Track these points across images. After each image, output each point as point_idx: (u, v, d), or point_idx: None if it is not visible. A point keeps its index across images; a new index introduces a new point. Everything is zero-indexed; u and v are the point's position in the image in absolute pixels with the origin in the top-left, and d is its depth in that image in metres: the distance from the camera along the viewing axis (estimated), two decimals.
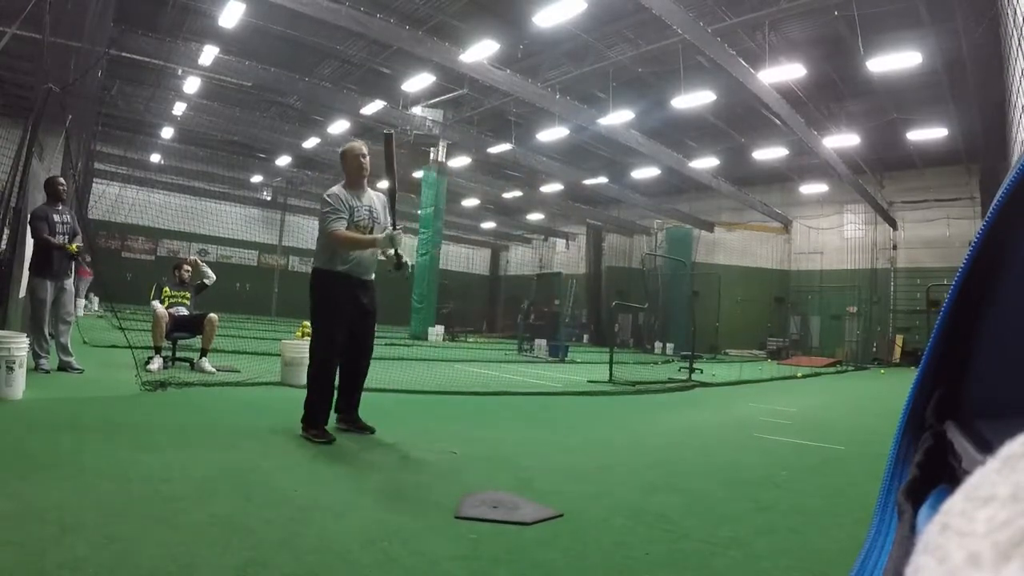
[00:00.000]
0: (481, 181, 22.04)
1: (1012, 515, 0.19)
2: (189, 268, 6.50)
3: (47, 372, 4.99)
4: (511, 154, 18.00)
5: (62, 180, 5.37)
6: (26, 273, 5.32)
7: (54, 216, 5.08)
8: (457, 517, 2.19)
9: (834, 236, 20.79)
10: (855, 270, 19.76)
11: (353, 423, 3.58)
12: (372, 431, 3.54)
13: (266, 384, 5.37)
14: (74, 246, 5.04)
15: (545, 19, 10.69)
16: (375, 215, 3.59)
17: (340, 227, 3.38)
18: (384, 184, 3.70)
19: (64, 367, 5.17)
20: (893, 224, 19.45)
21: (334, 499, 2.33)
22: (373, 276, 3.62)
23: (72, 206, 6.12)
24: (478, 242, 32.45)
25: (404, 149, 18.11)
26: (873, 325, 19.12)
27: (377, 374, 4.64)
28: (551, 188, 23.16)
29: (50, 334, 5.16)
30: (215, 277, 6.62)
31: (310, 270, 3.56)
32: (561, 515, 2.29)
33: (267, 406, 4.45)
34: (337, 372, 3.48)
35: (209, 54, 12.23)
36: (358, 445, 3.34)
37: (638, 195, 22.38)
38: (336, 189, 3.53)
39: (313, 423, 3.33)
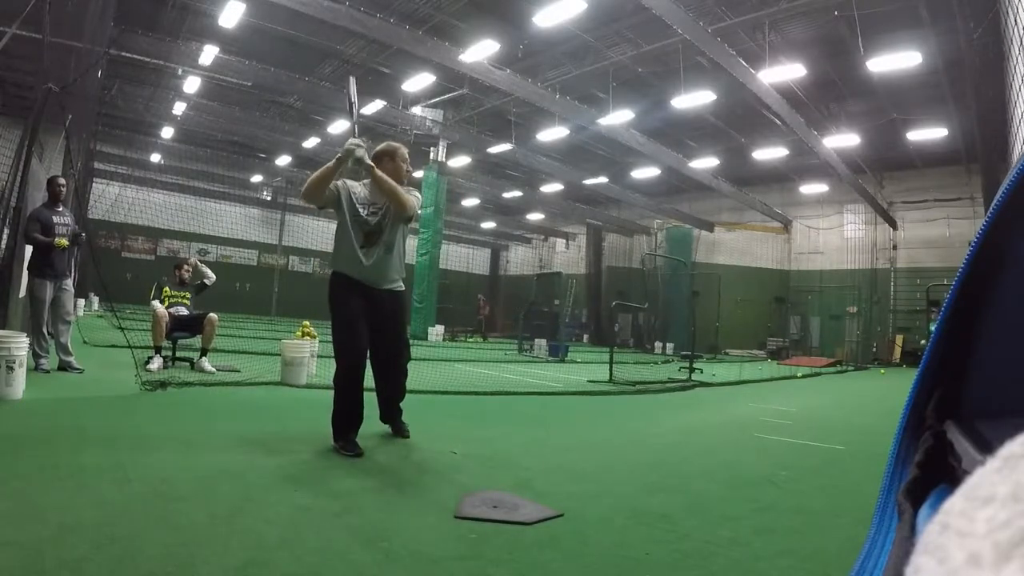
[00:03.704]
0: (481, 181, 22.04)
1: (1012, 515, 0.19)
2: (189, 268, 6.51)
3: (47, 372, 5.00)
4: (511, 154, 18.00)
5: (62, 181, 5.38)
6: (26, 273, 5.33)
7: (53, 218, 5.10)
8: (457, 517, 2.19)
9: (834, 236, 20.78)
10: (855, 270, 19.75)
11: (392, 422, 3.60)
12: (405, 436, 3.53)
13: (266, 384, 5.37)
14: (63, 240, 5.04)
15: (545, 19, 10.68)
16: (388, 215, 3.33)
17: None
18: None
19: (64, 367, 5.18)
20: (893, 224, 19.45)
21: (334, 499, 2.33)
22: (394, 287, 3.38)
23: (72, 206, 6.13)
24: (478, 242, 32.45)
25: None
26: (873, 325, 19.11)
27: None
28: (551, 188, 23.16)
29: (49, 333, 5.17)
30: (215, 277, 6.63)
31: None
32: (561, 515, 2.29)
33: (267, 406, 4.45)
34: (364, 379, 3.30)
35: (209, 54, 12.22)
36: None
37: (638, 195, 22.37)
38: (352, 182, 3.35)
39: (340, 434, 3.15)
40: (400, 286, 3.46)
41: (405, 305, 3.65)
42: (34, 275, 5.06)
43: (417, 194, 3.48)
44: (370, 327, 3.29)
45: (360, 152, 3.11)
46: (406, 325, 3.73)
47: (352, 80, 3.50)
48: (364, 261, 3.27)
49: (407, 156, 3.49)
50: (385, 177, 3.24)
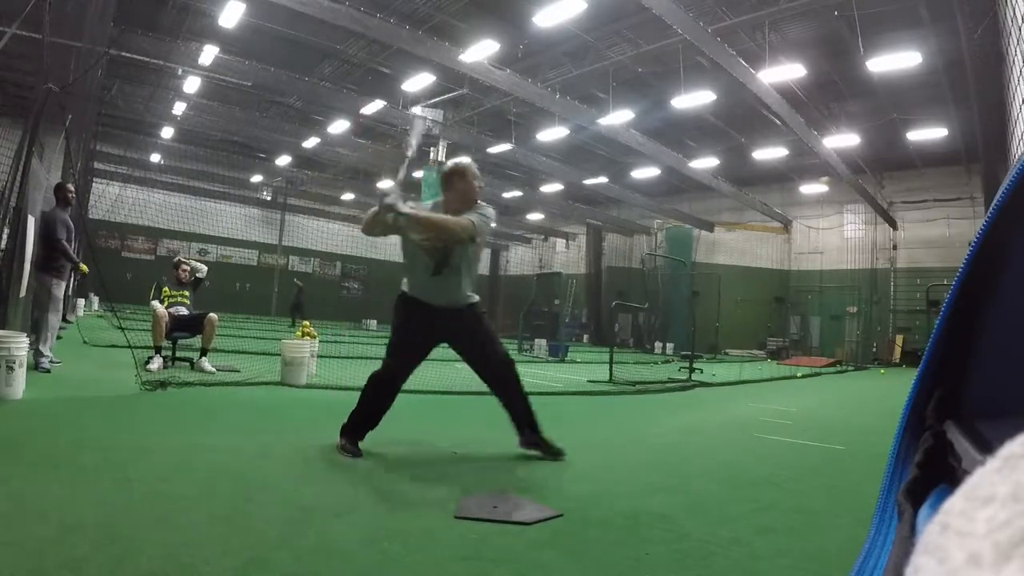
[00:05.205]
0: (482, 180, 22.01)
1: (1012, 515, 0.19)
2: (188, 268, 6.52)
3: (47, 372, 5.00)
4: (511, 154, 18.01)
5: (71, 186, 5.56)
6: (26, 272, 5.33)
7: (70, 222, 5.23)
8: (457, 517, 2.19)
9: (834, 236, 20.79)
10: (855, 270, 19.76)
11: (536, 445, 3.28)
12: (555, 455, 3.25)
13: (266, 384, 5.36)
14: (84, 267, 5.24)
15: (545, 19, 10.69)
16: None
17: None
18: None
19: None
20: (893, 224, 19.46)
21: (334, 499, 2.33)
22: (463, 303, 3.21)
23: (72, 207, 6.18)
24: None
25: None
26: (873, 325, 19.12)
27: None
28: (551, 188, 23.16)
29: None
30: (206, 268, 6.72)
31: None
32: (561, 515, 2.29)
33: (267, 406, 4.45)
34: (386, 393, 3.21)
35: (209, 54, 12.24)
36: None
37: (638, 195, 22.38)
38: (423, 201, 3.22)
39: (347, 431, 3.12)
40: (474, 299, 3.28)
41: (485, 316, 3.38)
42: (52, 275, 5.17)
43: (485, 212, 3.19)
44: (463, 351, 3.24)
45: (390, 200, 2.82)
46: (496, 333, 3.45)
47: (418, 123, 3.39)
48: (436, 288, 3.14)
49: (478, 172, 3.25)
50: (421, 215, 2.96)
